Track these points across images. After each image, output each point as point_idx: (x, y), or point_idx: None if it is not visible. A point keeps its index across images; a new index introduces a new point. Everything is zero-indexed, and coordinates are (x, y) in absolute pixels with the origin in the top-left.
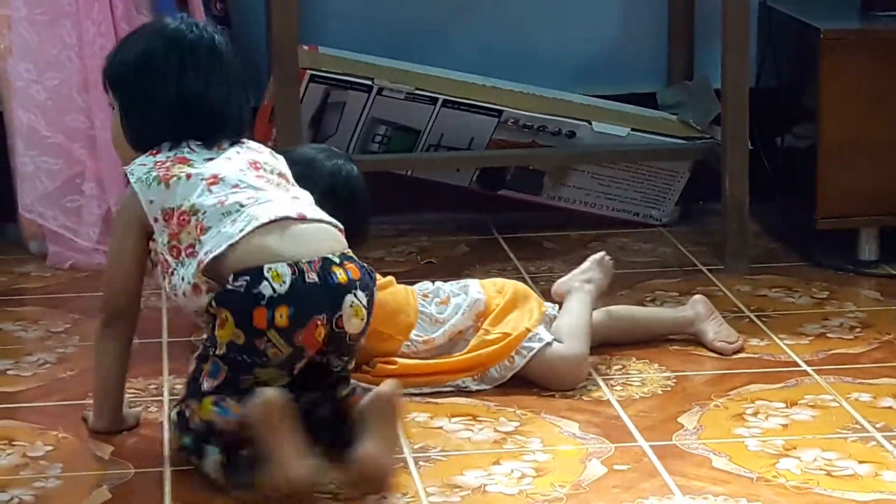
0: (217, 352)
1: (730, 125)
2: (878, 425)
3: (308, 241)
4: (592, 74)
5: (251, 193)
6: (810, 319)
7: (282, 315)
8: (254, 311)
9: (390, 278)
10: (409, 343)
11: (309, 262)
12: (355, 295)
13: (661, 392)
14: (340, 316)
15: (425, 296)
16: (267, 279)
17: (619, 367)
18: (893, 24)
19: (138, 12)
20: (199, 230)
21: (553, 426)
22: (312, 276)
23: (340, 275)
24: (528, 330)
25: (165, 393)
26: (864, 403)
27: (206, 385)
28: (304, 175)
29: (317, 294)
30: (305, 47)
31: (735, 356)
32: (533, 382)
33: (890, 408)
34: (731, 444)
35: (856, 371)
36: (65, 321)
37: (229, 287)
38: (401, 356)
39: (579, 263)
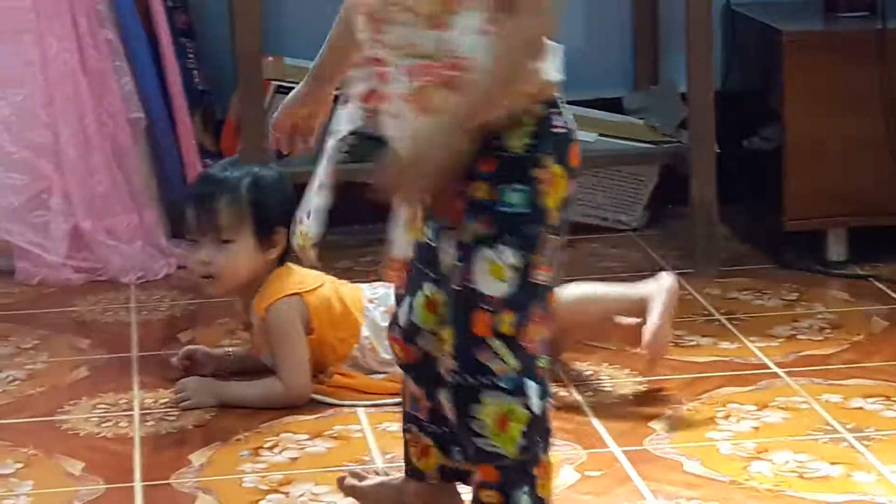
0: (547, 224)
1: (696, 129)
2: (848, 426)
3: None
4: None
5: None
6: (780, 321)
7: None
8: (570, 150)
9: (318, 274)
10: (359, 346)
11: None
12: None
13: (632, 397)
14: None
15: (371, 301)
16: (563, 111)
17: (590, 372)
18: (855, 25)
19: (102, 26)
20: None
21: None
22: None
23: None
24: None
25: (136, 407)
26: (835, 404)
27: (541, 278)
28: (261, 181)
29: None
30: (270, 58)
31: (704, 359)
32: None
33: (860, 408)
34: (702, 448)
35: (826, 372)
36: (33, 337)
37: (553, 128)
38: (353, 363)
39: None
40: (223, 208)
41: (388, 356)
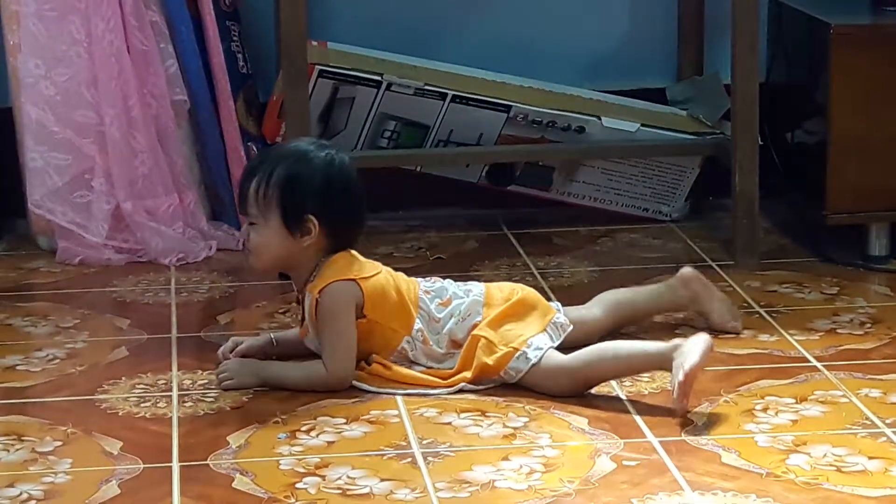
0: None
1: (740, 120)
2: (887, 421)
3: None
4: (602, 70)
5: None
6: (820, 315)
7: None
8: None
9: (376, 263)
10: (410, 339)
11: None
12: None
13: (670, 388)
14: None
15: (427, 292)
16: None
17: None
18: None
19: (147, 8)
20: None
21: (562, 421)
22: None
23: None
24: (516, 349)
25: (174, 388)
26: (875, 399)
27: None
28: (298, 168)
29: None
30: (314, 43)
31: (743, 351)
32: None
33: None
34: (740, 440)
35: (866, 367)
36: (74, 316)
37: None
38: (400, 355)
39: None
40: (251, 191)
41: (439, 350)
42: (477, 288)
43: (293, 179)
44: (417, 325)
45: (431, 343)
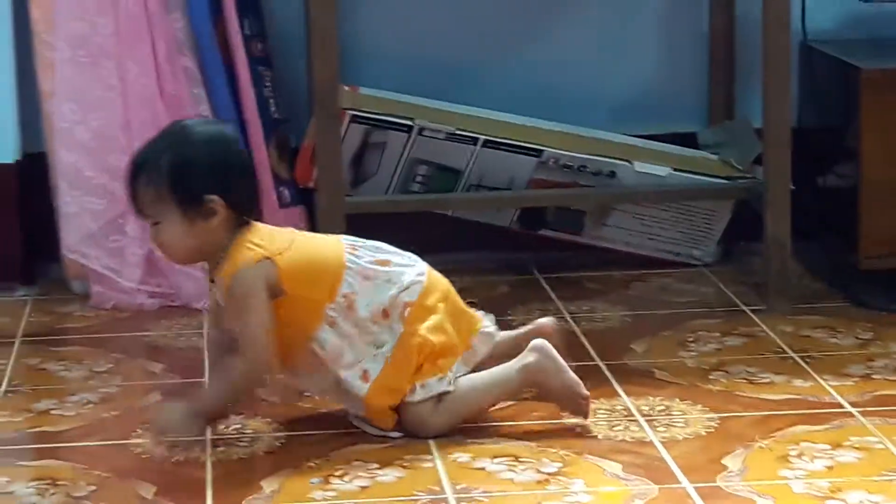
0: None
1: (772, 165)
2: None
3: None
4: (633, 114)
5: None
6: (855, 360)
7: None
8: None
9: (287, 232)
10: (333, 305)
11: None
12: None
13: (704, 433)
14: None
15: (355, 248)
16: None
17: (663, 407)
18: None
19: (180, 53)
20: None
21: (596, 467)
22: None
23: None
24: (442, 373)
25: (208, 432)
26: None
27: None
28: (182, 154)
29: None
30: (346, 88)
31: (777, 397)
32: (572, 425)
33: None
34: (775, 486)
35: None
36: (107, 361)
37: None
38: (331, 326)
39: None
40: (142, 193)
41: (365, 314)
42: (418, 265)
43: (181, 167)
44: (344, 288)
45: (359, 309)
